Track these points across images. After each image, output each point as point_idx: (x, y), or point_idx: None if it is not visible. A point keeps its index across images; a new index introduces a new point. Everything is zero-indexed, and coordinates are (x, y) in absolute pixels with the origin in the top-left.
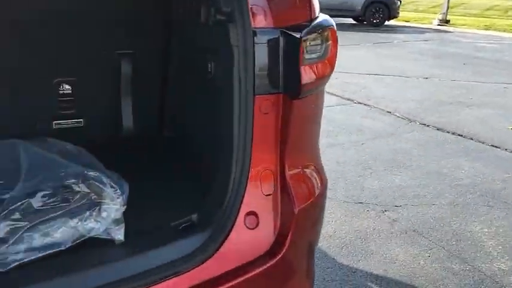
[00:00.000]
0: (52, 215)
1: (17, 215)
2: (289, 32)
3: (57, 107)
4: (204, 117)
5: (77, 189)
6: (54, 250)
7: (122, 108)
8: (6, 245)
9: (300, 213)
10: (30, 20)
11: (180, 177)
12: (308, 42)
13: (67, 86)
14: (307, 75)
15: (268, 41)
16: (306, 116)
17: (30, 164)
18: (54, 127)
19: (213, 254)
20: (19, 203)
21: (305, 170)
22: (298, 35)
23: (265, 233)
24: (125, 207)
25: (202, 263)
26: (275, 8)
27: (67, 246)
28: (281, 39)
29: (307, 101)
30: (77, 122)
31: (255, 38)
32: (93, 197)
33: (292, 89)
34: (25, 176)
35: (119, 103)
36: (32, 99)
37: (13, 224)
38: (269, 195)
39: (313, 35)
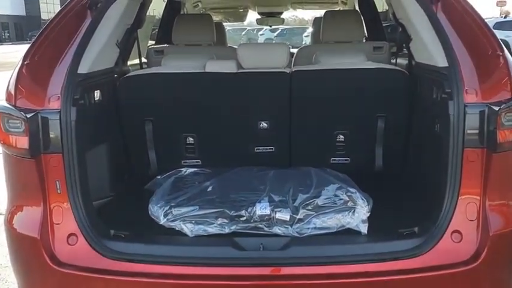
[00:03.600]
0: (327, 211)
1: (309, 207)
2: (491, 106)
3: (335, 149)
4: (430, 160)
5: (342, 197)
6: (327, 231)
7: (376, 152)
8: (303, 223)
9: (495, 237)
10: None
11: (410, 201)
12: (504, 113)
13: (342, 136)
14: (502, 136)
15: (477, 111)
16: (505, 165)
17: (317, 181)
18: (331, 162)
19: (422, 254)
20: (311, 200)
21: (503, 204)
22: (497, 108)
23: (466, 247)
24: (369, 213)
25: (413, 257)
26: (484, 89)
27: (334, 230)
28: (486, 111)
29: (505, 156)
30: (345, 160)
31: (466, 109)
32: (349, 204)
33: (491, 146)
34: (315, 186)
35: (374, 149)
36: (321, 144)
37: (307, 212)
38: (472, 220)
39: (509, 109)
